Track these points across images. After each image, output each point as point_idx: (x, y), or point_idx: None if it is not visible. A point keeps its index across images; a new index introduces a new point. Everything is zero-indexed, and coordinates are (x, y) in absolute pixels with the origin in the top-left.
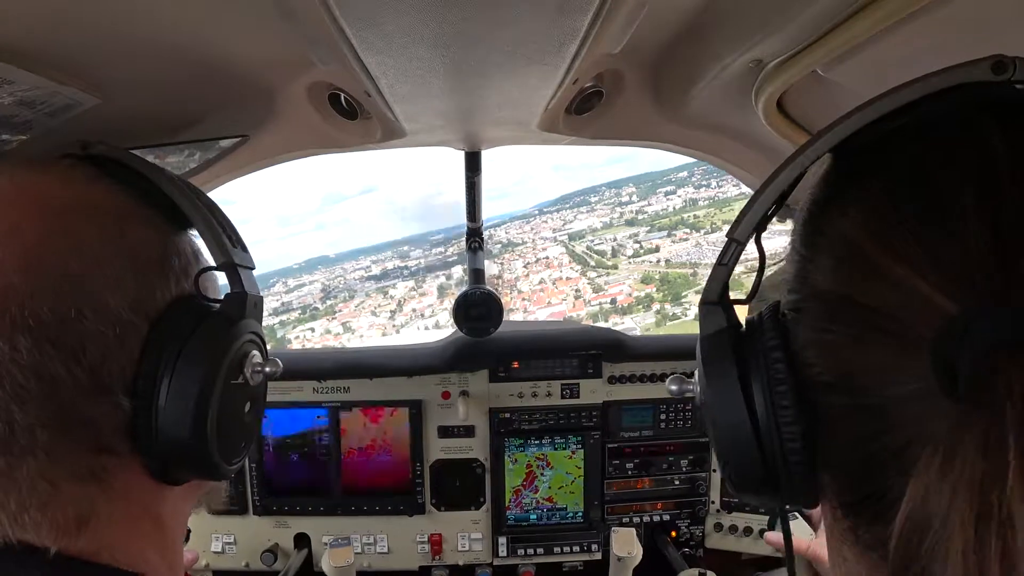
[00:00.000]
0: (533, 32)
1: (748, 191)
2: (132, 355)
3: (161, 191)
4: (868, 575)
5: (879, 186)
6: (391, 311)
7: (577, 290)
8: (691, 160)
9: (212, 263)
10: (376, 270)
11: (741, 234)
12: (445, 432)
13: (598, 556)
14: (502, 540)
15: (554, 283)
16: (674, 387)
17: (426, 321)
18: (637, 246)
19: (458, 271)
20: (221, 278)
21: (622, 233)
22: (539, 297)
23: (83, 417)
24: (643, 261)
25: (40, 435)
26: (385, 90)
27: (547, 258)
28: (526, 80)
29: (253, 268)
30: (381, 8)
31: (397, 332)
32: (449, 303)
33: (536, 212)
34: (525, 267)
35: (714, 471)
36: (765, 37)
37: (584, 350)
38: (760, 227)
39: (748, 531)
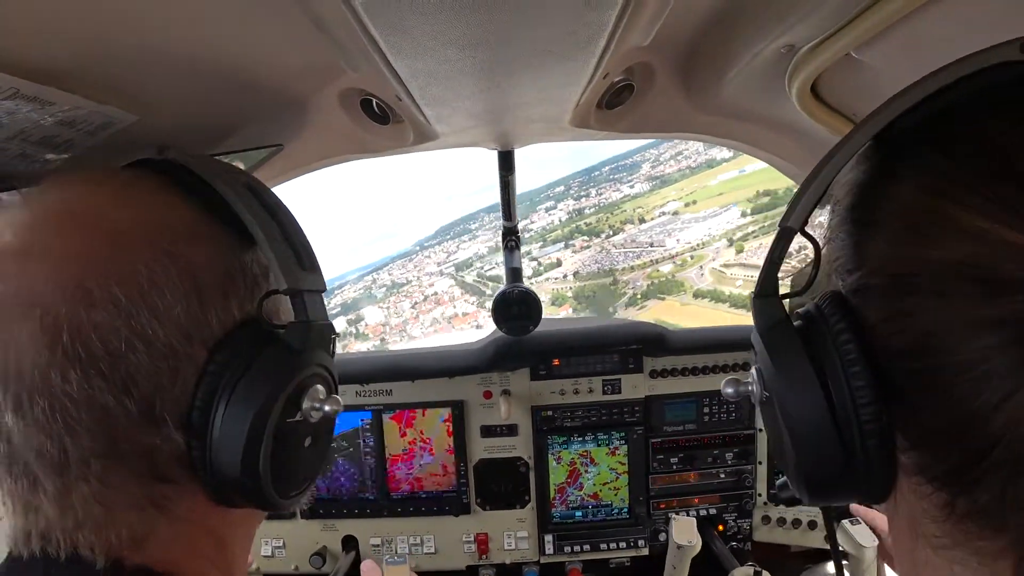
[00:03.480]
0: (561, 29)
1: (631, 192)
2: (187, 386)
3: (228, 204)
4: (963, 548)
5: (938, 153)
6: None
7: (478, 325)
8: (566, 174)
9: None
10: None
11: (795, 223)
12: (488, 432)
13: (645, 552)
14: (548, 538)
15: (449, 321)
16: (730, 390)
17: None
18: (535, 264)
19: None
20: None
21: None
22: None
23: (137, 448)
24: (546, 279)
25: (93, 465)
26: (416, 93)
27: (436, 294)
28: (555, 77)
29: (322, 291)
30: (409, 13)
31: None
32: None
33: (417, 248)
34: (414, 307)
35: (760, 463)
36: (796, 21)
37: (624, 345)
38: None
39: (797, 523)
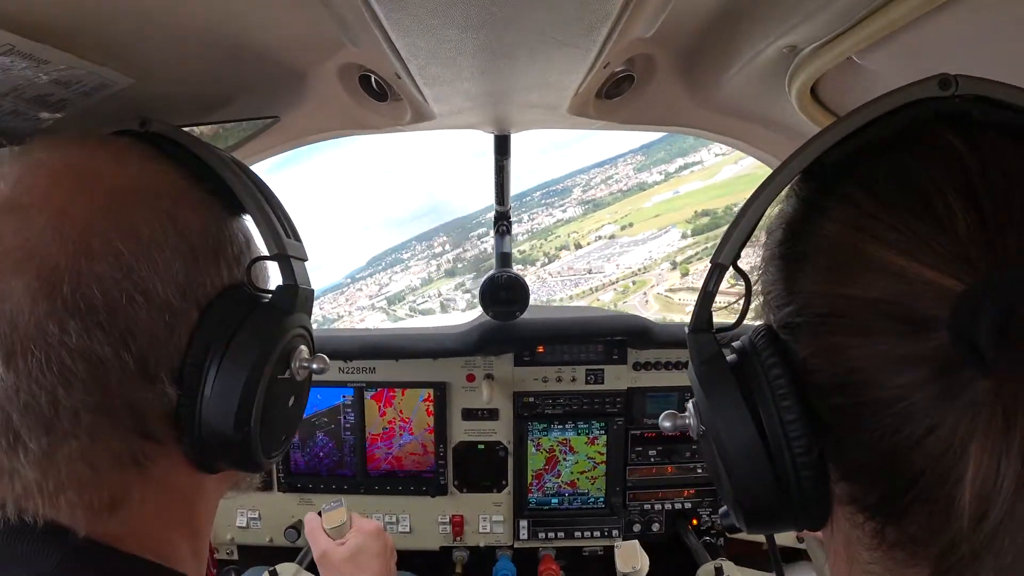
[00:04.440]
0: (564, 14)
1: (564, 216)
2: (180, 343)
3: (217, 174)
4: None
5: (860, 189)
6: None
7: None
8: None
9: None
10: None
11: (726, 259)
12: (469, 415)
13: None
14: (523, 523)
15: None
16: (668, 424)
17: None
18: (468, 295)
19: None
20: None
21: (445, 285)
22: None
23: (128, 403)
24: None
25: (84, 418)
26: (415, 72)
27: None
28: (556, 63)
29: (305, 260)
30: None
31: None
32: None
33: (348, 281)
34: None
35: None
36: (800, 22)
37: (609, 336)
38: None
39: None
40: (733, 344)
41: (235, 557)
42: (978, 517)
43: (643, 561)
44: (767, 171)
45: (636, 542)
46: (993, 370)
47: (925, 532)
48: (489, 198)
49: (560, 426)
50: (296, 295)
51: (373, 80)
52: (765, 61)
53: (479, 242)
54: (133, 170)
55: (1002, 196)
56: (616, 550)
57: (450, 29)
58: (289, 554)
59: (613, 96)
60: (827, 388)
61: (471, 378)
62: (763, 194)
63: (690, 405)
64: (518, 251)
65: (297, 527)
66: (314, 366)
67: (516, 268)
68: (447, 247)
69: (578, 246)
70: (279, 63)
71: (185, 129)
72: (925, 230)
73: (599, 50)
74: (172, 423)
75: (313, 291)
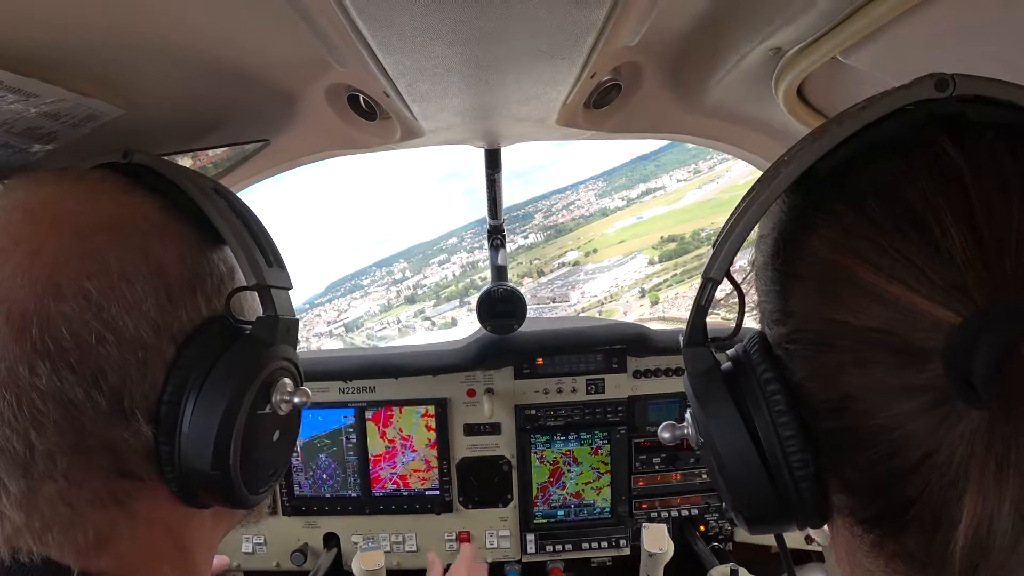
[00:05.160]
0: (549, 26)
1: (525, 243)
2: (155, 380)
3: (196, 204)
4: None
5: (851, 207)
6: None
7: None
8: (460, 225)
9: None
10: None
11: (717, 274)
12: (471, 430)
13: (627, 551)
14: (530, 537)
15: None
16: (667, 435)
17: None
18: (428, 323)
19: None
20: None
21: (405, 313)
22: None
23: (104, 443)
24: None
25: (60, 460)
26: (403, 90)
27: None
28: (543, 75)
29: (289, 288)
30: (397, 8)
31: None
32: None
33: (307, 307)
34: None
35: None
36: (783, 24)
37: (608, 345)
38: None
39: None
40: (728, 352)
41: None
42: (972, 567)
43: (669, 544)
44: (732, 196)
45: (664, 525)
46: (988, 407)
47: (924, 549)
48: (450, 224)
49: (563, 437)
50: (276, 326)
51: (362, 99)
52: (750, 64)
53: (440, 268)
54: (107, 205)
55: (1001, 215)
56: (644, 530)
57: (436, 45)
58: None
59: (601, 105)
60: (821, 411)
61: (471, 393)
62: (751, 208)
63: (688, 416)
64: (479, 279)
65: (303, 550)
66: (296, 400)
67: (477, 297)
68: (407, 273)
69: (541, 273)
70: (267, 87)
71: (175, 156)
72: (918, 255)
73: (585, 60)
74: (152, 461)
75: (297, 321)
